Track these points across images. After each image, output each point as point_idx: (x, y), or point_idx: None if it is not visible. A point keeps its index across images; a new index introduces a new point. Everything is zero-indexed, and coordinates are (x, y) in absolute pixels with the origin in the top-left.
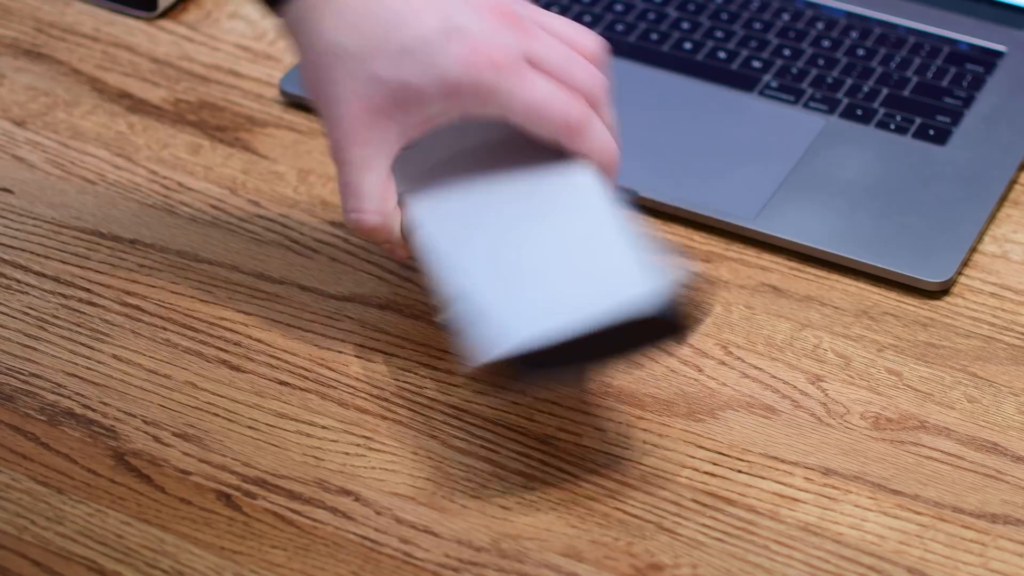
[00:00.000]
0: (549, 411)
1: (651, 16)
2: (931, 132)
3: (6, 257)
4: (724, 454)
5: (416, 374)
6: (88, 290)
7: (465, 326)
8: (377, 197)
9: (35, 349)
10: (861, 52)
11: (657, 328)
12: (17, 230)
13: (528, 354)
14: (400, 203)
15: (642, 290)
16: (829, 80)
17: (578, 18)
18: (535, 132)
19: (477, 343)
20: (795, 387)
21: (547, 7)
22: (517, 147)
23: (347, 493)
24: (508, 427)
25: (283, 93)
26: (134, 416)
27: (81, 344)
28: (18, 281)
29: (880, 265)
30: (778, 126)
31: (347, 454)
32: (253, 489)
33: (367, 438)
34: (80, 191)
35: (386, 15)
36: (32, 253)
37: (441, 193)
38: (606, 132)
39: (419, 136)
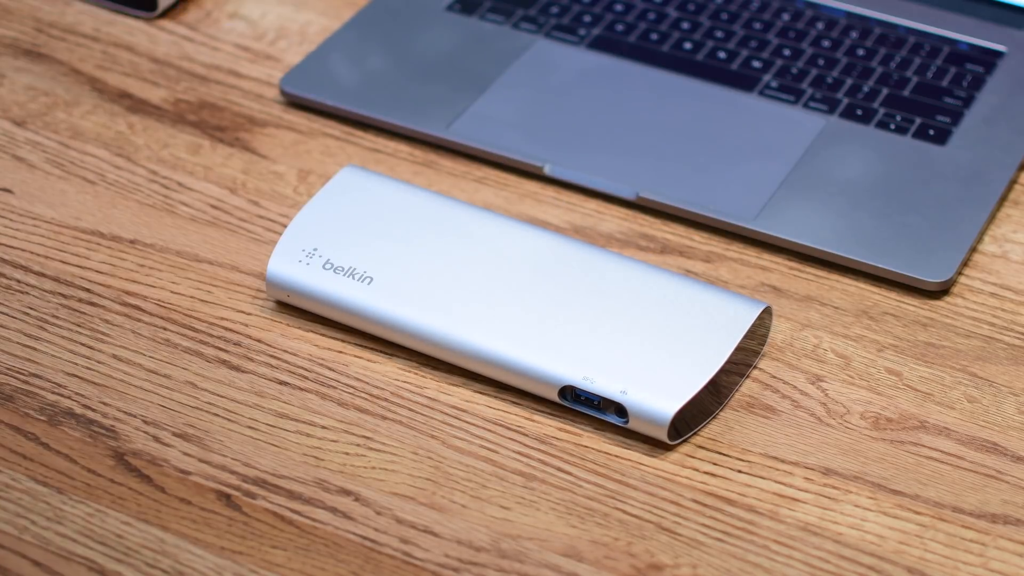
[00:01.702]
0: (549, 411)
1: (651, 16)
2: (931, 132)
3: (6, 257)
4: (724, 454)
5: (416, 374)
6: (88, 290)
7: (632, 404)
8: None
9: (35, 349)
10: (861, 52)
11: (754, 335)
12: (17, 230)
13: (692, 402)
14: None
15: (740, 308)
16: (829, 80)
17: (578, 18)
18: None
19: (648, 413)
20: (795, 387)
21: (548, 7)
22: (519, 250)
23: (347, 493)
24: (508, 427)
25: (283, 93)
26: (134, 416)
27: (81, 344)
28: (18, 281)
29: (880, 265)
30: (778, 126)
31: (347, 454)
32: (253, 489)
33: (367, 438)
34: (80, 191)
35: None
36: (32, 253)
37: (486, 307)
38: None
39: None
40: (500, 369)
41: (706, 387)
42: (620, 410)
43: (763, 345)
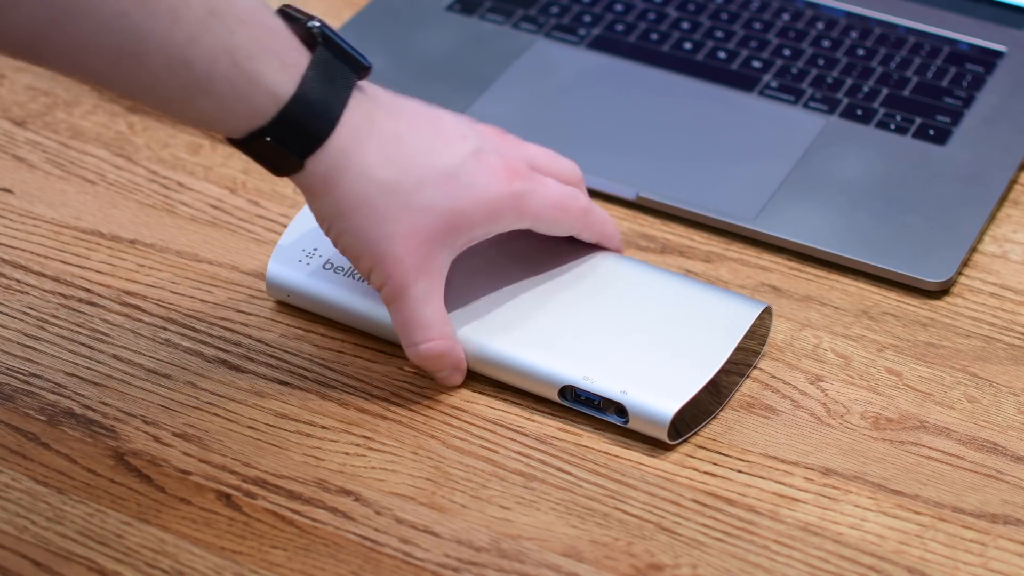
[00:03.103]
0: (549, 411)
1: (651, 16)
2: (931, 132)
3: (6, 257)
4: (724, 454)
5: (416, 374)
6: (88, 290)
7: (631, 405)
8: (441, 323)
9: (35, 349)
10: (861, 52)
11: (754, 335)
12: (17, 230)
13: (692, 402)
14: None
15: (740, 308)
16: (829, 80)
17: (578, 18)
18: (556, 229)
19: (648, 413)
20: (795, 387)
21: (548, 7)
22: (520, 249)
23: (347, 493)
24: (508, 427)
25: None
26: (134, 416)
27: (81, 344)
28: (18, 281)
29: (880, 265)
30: (778, 126)
31: (347, 454)
32: (253, 489)
33: (367, 438)
34: (80, 191)
35: (419, 146)
36: (32, 253)
37: (486, 307)
38: (602, 210)
39: (455, 249)
40: (500, 368)
41: (706, 387)
42: (620, 410)
43: (763, 345)
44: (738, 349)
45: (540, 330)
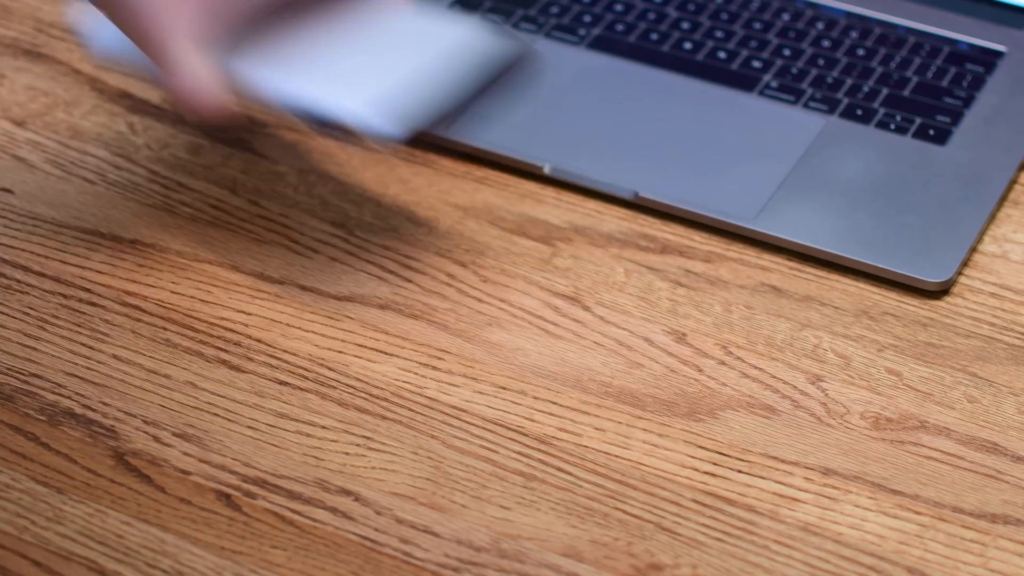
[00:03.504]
0: (549, 411)
1: (651, 16)
2: (931, 132)
3: (6, 257)
4: (724, 454)
5: (416, 374)
6: (88, 290)
7: (348, 116)
8: (192, 62)
9: (35, 349)
10: (861, 52)
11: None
12: (17, 230)
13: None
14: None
15: (480, 34)
16: (829, 80)
17: (578, 18)
18: None
19: (377, 122)
20: (795, 387)
21: (548, 7)
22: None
23: (347, 493)
24: (508, 427)
25: None
26: (134, 416)
27: (81, 344)
28: (18, 281)
29: (880, 265)
30: (778, 126)
31: (347, 454)
32: (253, 489)
33: (367, 438)
34: (80, 191)
35: None
36: (32, 253)
37: (261, 46)
38: None
39: (231, 21)
40: (255, 97)
41: (413, 90)
42: (345, 127)
43: (512, 68)
44: (452, 57)
45: (293, 62)
